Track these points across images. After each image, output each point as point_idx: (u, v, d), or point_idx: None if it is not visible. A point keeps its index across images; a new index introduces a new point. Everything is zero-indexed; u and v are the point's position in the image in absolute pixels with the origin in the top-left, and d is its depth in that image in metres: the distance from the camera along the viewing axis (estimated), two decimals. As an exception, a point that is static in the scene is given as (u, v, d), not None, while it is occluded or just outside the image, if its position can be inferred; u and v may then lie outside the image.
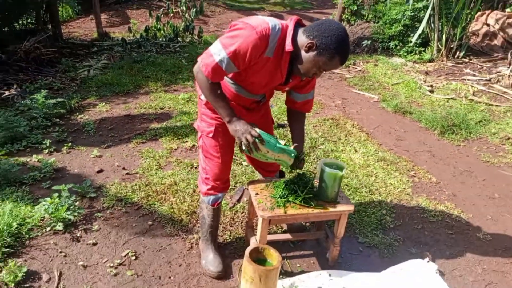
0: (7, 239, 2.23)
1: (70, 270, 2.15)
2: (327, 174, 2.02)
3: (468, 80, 5.60)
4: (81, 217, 2.55)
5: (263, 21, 1.70)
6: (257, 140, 1.80)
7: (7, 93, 4.30)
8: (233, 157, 2.23)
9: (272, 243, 2.07)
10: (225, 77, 1.94)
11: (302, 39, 1.73)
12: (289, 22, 1.77)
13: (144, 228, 2.51)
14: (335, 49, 1.68)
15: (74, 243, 2.34)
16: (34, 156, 3.22)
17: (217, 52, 1.71)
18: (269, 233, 2.24)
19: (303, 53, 1.73)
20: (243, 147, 1.82)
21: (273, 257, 1.89)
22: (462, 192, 3.13)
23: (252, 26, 1.67)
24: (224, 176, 2.15)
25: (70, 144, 3.47)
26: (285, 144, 1.94)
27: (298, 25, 1.79)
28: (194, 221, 2.60)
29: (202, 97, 2.00)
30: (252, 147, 1.80)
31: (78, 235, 2.41)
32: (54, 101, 4.07)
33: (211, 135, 2.03)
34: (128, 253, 2.29)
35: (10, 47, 5.29)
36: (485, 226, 2.73)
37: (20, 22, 6.32)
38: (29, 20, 6.57)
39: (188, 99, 4.62)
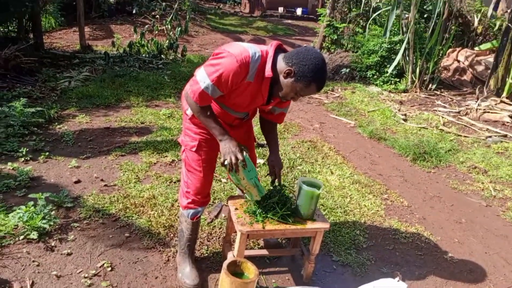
0: (-23, 246, 2.18)
1: (42, 280, 2.11)
2: (305, 192, 2.10)
3: (439, 111, 5.90)
4: (57, 226, 2.51)
5: (244, 49, 1.80)
6: (240, 164, 1.88)
7: (-16, 99, 4.23)
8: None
9: (248, 259, 2.09)
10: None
11: (282, 65, 1.84)
12: (270, 48, 1.88)
13: (121, 240, 2.50)
14: (311, 77, 1.78)
15: (48, 252, 2.30)
16: (9, 163, 3.16)
17: (202, 79, 1.82)
18: (246, 249, 2.28)
19: (281, 78, 1.84)
20: (225, 163, 1.91)
21: (250, 270, 1.92)
22: (431, 216, 3.27)
23: (233, 54, 1.77)
24: (205, 190, 2.19)
25: (47, 153, 3.42)
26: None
27: (279, 49, 1.90)
28: (172, 235, 2.60)
29: (188, 112, 2.07)
30: (233, 168, 1.89)
31: (53, 244, 2.37)
32: (32, 109, 4.02)
33: (194, 149, 2.09)
34: (103, 264, 2.27)
35: (-10, 54, 5.23)
36: (452, 249, 2.86)
37: (1, 29, 6.26)
38: (10, 28, 6.51)
39: (169, 115, 4.66)
